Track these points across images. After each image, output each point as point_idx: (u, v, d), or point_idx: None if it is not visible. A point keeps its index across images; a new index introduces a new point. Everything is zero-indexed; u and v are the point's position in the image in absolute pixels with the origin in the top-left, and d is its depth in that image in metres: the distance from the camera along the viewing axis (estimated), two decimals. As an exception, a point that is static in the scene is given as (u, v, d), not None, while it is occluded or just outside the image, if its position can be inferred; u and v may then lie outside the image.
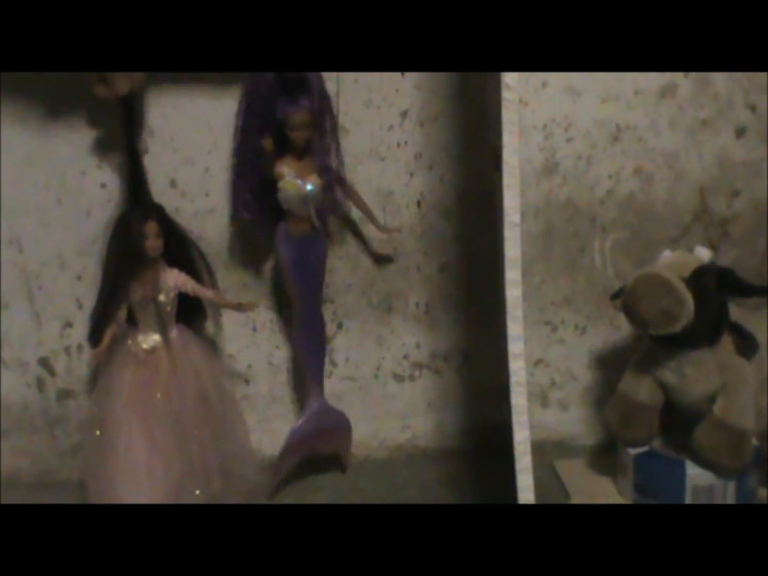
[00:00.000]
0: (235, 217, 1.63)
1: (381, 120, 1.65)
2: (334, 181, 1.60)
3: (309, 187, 1.55)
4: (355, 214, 1.68)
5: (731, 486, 1.50)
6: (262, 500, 1.63)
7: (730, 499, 1.50)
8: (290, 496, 1.66)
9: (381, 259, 1.71)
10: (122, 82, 1.45)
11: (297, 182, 1.55)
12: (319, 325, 1.65)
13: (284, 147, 1.55)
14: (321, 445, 1.69)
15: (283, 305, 1.70)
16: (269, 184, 1.56)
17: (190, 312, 1.60)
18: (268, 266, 1.69)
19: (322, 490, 1.69)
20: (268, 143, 1.53)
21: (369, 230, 1.68)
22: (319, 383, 1.66)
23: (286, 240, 1.59)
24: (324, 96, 1.56)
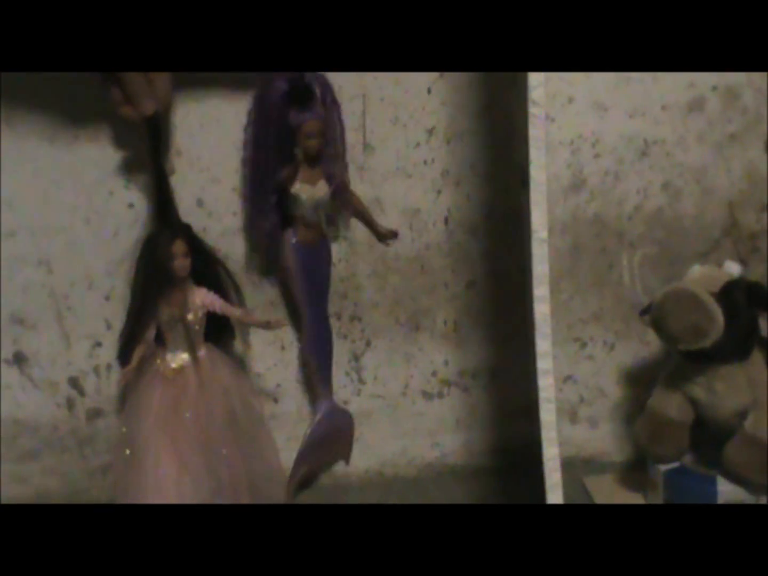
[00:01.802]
0: (251, 228, 1.63)
1: (407, 137, 1.65)
2: (339, 187, 1.61)
3: (320, 193, 1.57)
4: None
5: (763, 501, 1.49)
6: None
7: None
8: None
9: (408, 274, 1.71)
10: (148, 103, 1.45)
11: (309, 189, 1.56)
12: (325, 327, 1.67)
13: (293, 155, 1.56)
14: (334, 444, 1.73)
15: (291, 313, 1.70)
16: (281, 193, 1.57)
17: (218, 331, 1.60)
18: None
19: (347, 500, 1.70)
20: (287, 172, 1.55)
21: (397, 248, 1.69)
22: (328, 384, 1.68)
23: (295, 247, 1.60)
24: (334, 103, 1.56)
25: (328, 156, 1.58)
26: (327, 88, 1.55)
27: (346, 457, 1.77)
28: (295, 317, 1.69)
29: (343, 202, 1.64)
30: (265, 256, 1.66)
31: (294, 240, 1.60)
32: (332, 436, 1.71)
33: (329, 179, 1.58)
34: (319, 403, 1.68)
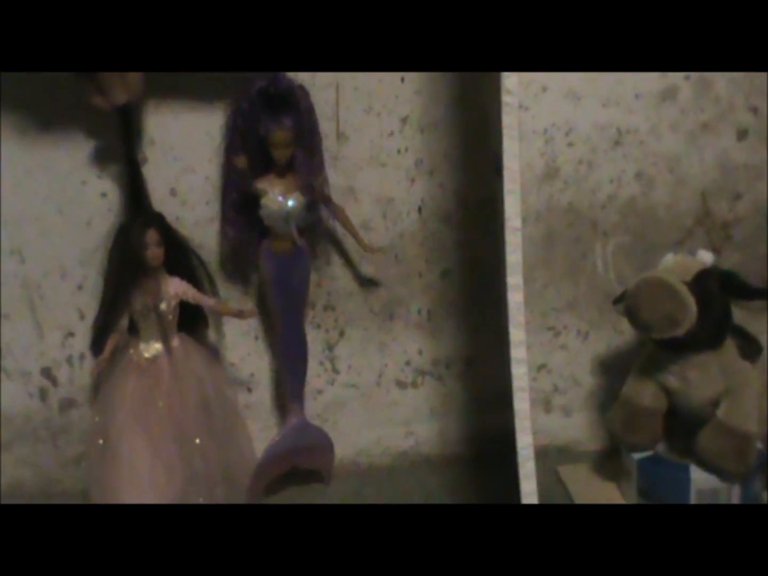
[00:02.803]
0: (222, 234, 1.63)
1: (381, 126, 1.65)
2: (319, 199, 1.60)
3: (290, 204, 1.55)
4: (357, 219, 1.66)
5: (736, 490, 1.49)
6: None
7: (735, 503, 1.49)
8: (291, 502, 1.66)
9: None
10: (120, 93, 1.45)
11: (278, 199, 1.55)
12: (300, 342, 1.65)
13: (268, 164, 1.55)
14: (300, 461, 1.68)
15: (266, 323, 1.70)
16: (253, 201, 1.57)
17: (191, 320, 1.60)
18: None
19: (324, 497, 1.69)
20: (241, 162, 1.54)
21: (371, 237, 1.68)
22: (300, 400, 1.66)
23: (268, 257, 1.59)
24: (311, 114, 1.55)
25: (303, 167, 1.57)
26: (304, 96, 1.54)
27: (324, 476, 1.73)
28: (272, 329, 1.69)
29: (328, 213, 1.63)
30: (241, 265, 1.67)
31: (268, 251, 1.59)
32: (297, 453, 1.67)
33: (305, 190, 1.57)
34: (288, 417, 1.67)
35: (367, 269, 1.71)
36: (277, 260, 1.59)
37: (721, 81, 1.66)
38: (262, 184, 1.56)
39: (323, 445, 1.71)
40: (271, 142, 1.53)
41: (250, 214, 1.58)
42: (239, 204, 1.58)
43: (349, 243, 1.68)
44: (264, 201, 1.55)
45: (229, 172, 1.58)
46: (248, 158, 1.55)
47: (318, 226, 1.65)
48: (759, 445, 1.50)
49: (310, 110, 1.55)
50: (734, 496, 1.49)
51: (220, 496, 1.57)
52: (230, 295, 1.67)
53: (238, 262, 1.67)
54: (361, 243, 1.64)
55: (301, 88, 1.53)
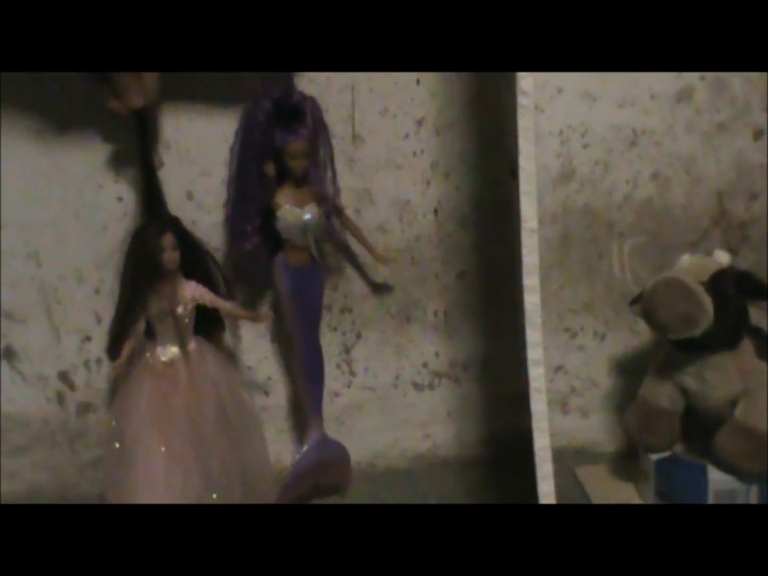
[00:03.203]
0: (232, 250, 1.63)
1: (397, 128, 1.65)
2: (331, 210, 1.60)
3: (307, 216, 1.55)
4: (373, 222, 1.67)
5: (754, 490, 1.49)
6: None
7: (753, 503, 1.49)
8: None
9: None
10: (136, 96, 1.45)
11: (296, 211, 1.55)
12: (317, 355, 1.64)
13: (282, 176, 1.55)
14: (322, 476, 1.68)
15: (283, 336, 1.70)
16: (267, 215, 1.56)
17: (208, 324, 1.60)
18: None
19: (341, 499, 1.69)
20: (269, 168, 1.53)
21: (387, 240, 1.69)
22: (319, 414, 1.65)
23: (284, 270, 1.58)
24: (321, 124, 1.55)
25: (316, 177, 1.58)
26: (315, 108, 1.55)
27: (342, 488, 1.72)
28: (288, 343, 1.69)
29: (340, 224, 1.63)
30: (254, 278, 1.66)
31: (284, 263, 1.59)
32: (320, 468, 1.66)
33: (319, 202, 1.58)
34: (308, 432, 1.65)
35: (384, 271, 1.70)
36: (294, 273, 1.59)
37: (736, 81, 1.65)
38: (277, 197, 1.55)
39: (342, 459, 1.70)
40: (287, 152, 1.53)
41: (263, 227, 1.57)
42: (253, 217, 1.57)
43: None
44: (280, 213, 1.55)
45: (244, 186, 1.56)
46: (261, 170, 1.54)
47: (333, 236, 1.65)
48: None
49: (320, 120, 1.56)
50: (752, 495, 1.49)
51: (236, 499, 1.56)
52: (247, 298, 1.67)
53: (257, 279, 1.66)
54: (373, 253, 1.65)
55: (311, 99, 1.54)
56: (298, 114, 1.53)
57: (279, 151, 1.53)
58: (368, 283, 1.71)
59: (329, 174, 1.59)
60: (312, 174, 1.57)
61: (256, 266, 1.63)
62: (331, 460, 1.68)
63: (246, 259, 1.62)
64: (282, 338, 1.71)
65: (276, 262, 1.59)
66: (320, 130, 1.56)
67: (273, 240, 1.58)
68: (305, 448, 1.64)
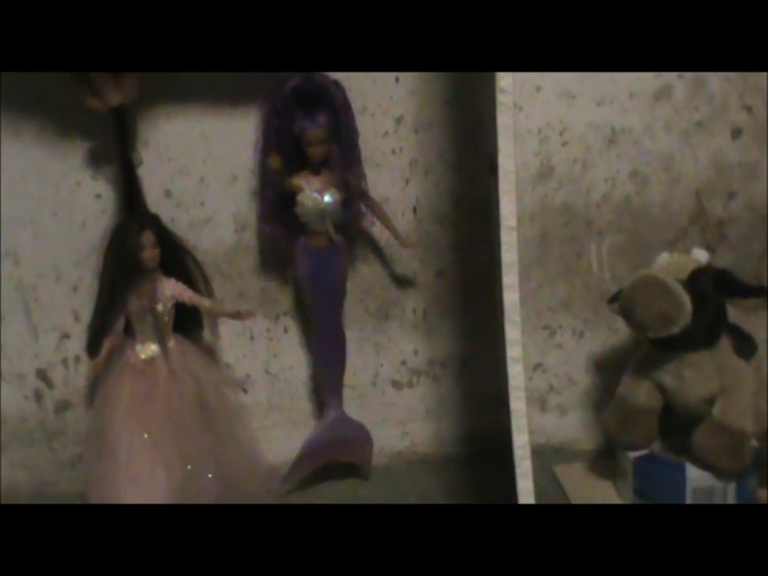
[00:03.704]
0: (259, 231, 1.65)
1: (376, 127, 1.65)
2: (355, 195, 1.61)
3: (327, 200, 1.56)
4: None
5: (731, 488, 1.49)
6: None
7: (731, 501, 1.49)
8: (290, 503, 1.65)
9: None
10: (114, 94, 1.46)
11: (314, 196, 1.56)
12: (338, 337, 1.66)
13: (303, 161, 1.56)
14: (338, 454, 1.69)
15: (303, 318, 1.72)
16: (290, 198, 1.57)
17: (186, 322, 1.60)
18: (265, 275, 1.69)
19: (321, 497, 1.68)
20: (274, 161, 1.54)
21: (366, 239, 1.69)
22: (338, 394, 1.67)
23: (305, 253, 1.60)
24: (346, 108, 1.56)
25: (339, 163, 1.58)
26: (339, 91, 1.55)
27: (360, 469, 1.72)
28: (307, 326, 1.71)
29: (365, 209, 1.64)
30: (278, 261, 1.68)
31: (304, 247, 1.60)
32: (336, 446, 1.68)
33: (340, 187, 1.58)
34: (326, 411, 1.68)
35: (363, 269, 1.71)
36: (314, 256, 1.60)
37: (715, 80, 1.66)
38: (297, 181, 1.57)
39: (361, 438, 1.72)
40: (305, 140, 1.54)
41: (287, 212, 1.59)
42: (276, 201, 1.59)
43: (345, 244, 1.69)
44: (299, 198, 1.56)
45: (264, 171, 1.58)
46: (282, 157, 1.55)
47: (356, 223, 1.65)
48: (754, 443, 1.50)
49: (346, 106, 1.56)
50: (730, 493, 1.49)
51: (220, 494, 1.56)
52: (226, 296, 1.67)
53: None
54: (398, 238, 1.65)
55: (336, 83, 1.54)
56: (319, 99, 1.53)
57: (297, 138, 1.54)
58: (350, 276, 1.70)
59: (353, 159, 1.60)
60: (334, 159, 1.58)
61: (279, 249, 1.65)
62: (348, 438, 1.69)
63: (270, 242, 1.64)
64: (263, 328, 1.72)
65: (297, 245, 1.61)
66: (345, 114, 1.57)
67: (297, 224, 1.60)
68: (321, 425, 1.67)
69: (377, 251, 1.70)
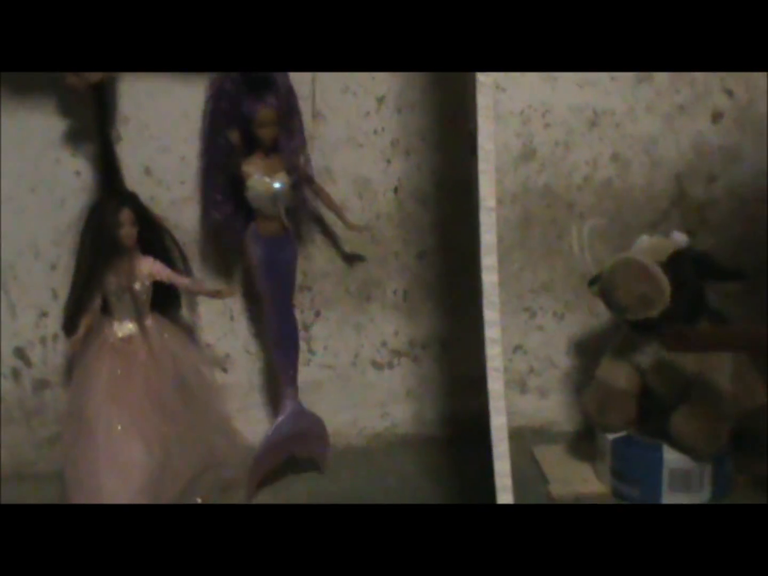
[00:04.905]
0: (206, 218, 1.63)
1: (358, 106, 1.65)
2: (302, 179, 1.59)
3: (277, 185, 1.55)
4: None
5: (708, 470, 1.50)
6: (240, 498, 1.60)
7: (707, 484, 1.50)
8: (268, 487, 1.65)
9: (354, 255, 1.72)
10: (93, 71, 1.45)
11: (265, 180, 1.54)
12: (291, 324, 1.64)
13: (251, 146, 1.55)
14: (297, 448, 1.66)
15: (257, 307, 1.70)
16: (239, 184, 1.56)
17: (164, 300, 1.59)
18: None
19: (300, 481, 1.68)
20: (234, 136, 1.53)
21: (347, 217, 1.68)
22: (293, 385, 1.64)
23: (256, 240, 1.58)
24: (291, 94, 1.55)
25: (288, 147, 1.57)
26: (285, 77, 1.54)
27: (319, 464, 1.70)
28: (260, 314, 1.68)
29: (311, 194, 1.63)
30: (225, 249, 1.66)
31: (255, 233, 1.58)
32: (295, 440, 1.65)
33: (289, 171, 1.57)
34: (283, 402, 1.64)
35: (344, 250, 1.70)
36: (265, 242, 1.58)
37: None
38: (247, 166, 1.55)
39: (319, 432, 1.69)
40: (256, 121, 1.53)
41: (235, 197, 1.57)
42: (224, 187, 1.58)
43: (325, 223, 1.68)
44: (250, 183, 1.55)
45: (211, 154, 1.57)
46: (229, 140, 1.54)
47: (302, 207, 1.64)
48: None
49: (289, 90, 1.55)
50: (706, 476, 1.50)
51: (198, 474, 1.57)
52: (205, 275, 1.67)
53: (223, 245, 1.66)
54: (345, 221, 1.64)
55: None
56: (268, 83, 1.52)
57: (247, 120, 1.53)
58: (331, 256, 1.70)
59: (299, 143, 1.59)
60: (282, 143, 1.56)
61: (227, 236, 1.63)
62: (306, 431, 1.67)
63: (219, 229, 1.62)
64: (244, 308, 1.71)
65: (248, 232, 1.59)
66: (291, 99, 1.56)
67: (245, 210, 1.58)
68: (279, 418, 1.63)
69: (358, 234, 1.69)
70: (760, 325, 1.53)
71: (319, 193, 1.63)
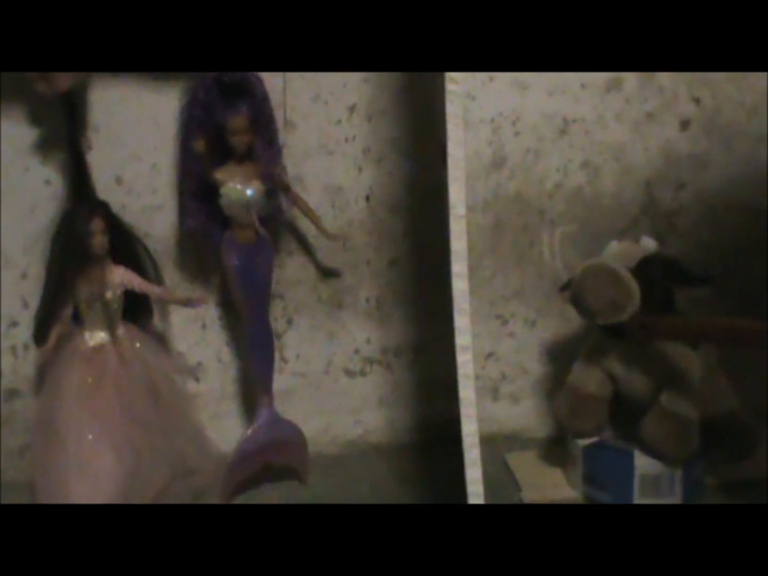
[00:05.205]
0: (182, 225, 1.62)
1: (329, 114, 1.65)
2: (277, 187, 1.59)
3: (249, 192, 1.54)
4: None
5: (678, 475, 1.51)
6: (216, 500, 1.60)
7: (678, 488, 1.51)
8: (242, 495, 1.64)
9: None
10: (63, 79, 1.44)
11: (238, 188, 1.54)
12: (266, 332, 1.64)
13: (225, 153, 1.55)
14: (273, 457, 1.65)
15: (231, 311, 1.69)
16: (213, 192, 1.55)
17: (136, 309, 1.59)
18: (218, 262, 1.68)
19: (273, 489, 1.67)
20: (199, 144, 1.53)
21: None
22: (269, 392, 1.63)
23: (231, 248, 1.58)
24: (265, 101, 1.55)
25: (264, 155, 1.57)
26: (259, 84, 1.54)
27: (300, 473, 1.69)
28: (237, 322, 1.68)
29: (287, 201, 1.62)
30: (201, 257, 1.66)
31: (231, 241, 1.58)
32: (270, 448, 1.64)
33: (264, 179, 1.57)
34: (258, 410, 1.64)
35: (316, 257, 1.70)
36: (240, 250, 1.58)
37: (664, 72, 1.67)
38: (221, 174, 1.55)
39: (296, 440, 1.69)
40: (228, 128, 1.52)
41: (210, 205, 1.57)
42: (198, 194, 1.57)
43: (298, 231, 1.68)
44: (223, 190, 1.54)
45: (186, 162, 1.57)
46: (206, 145, 1.54)
47: (279, 215, 1.64)
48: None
49: (264, 98, 1.55)
50: (677, 480, 1.51)
51: (169, 483, 1.56)
52: (177, 283, 1.66)
53: (199, 253, 1.66)
54: (322, 230, 1.64)
55: (256, 76, 1.53)
56: (241, 91, 1.52)
57: (221, 128, 1.53)
58: (302, 264, 1.70)
59: (276, 151, 1.59)
60: (259, 151, 1.56)
61: (203, 244, 1.63)
62: (282, 439, 1.66)
63: (194, 237, 1.62)
64: (217, 316, 1.71)
65: (223, 240, 1.58)
66: (266, 107, 1.56)
67: (221, 218, 1.58)
68: (254, 426, 1.63)
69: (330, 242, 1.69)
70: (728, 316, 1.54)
71: (296, 201, 1.63)
